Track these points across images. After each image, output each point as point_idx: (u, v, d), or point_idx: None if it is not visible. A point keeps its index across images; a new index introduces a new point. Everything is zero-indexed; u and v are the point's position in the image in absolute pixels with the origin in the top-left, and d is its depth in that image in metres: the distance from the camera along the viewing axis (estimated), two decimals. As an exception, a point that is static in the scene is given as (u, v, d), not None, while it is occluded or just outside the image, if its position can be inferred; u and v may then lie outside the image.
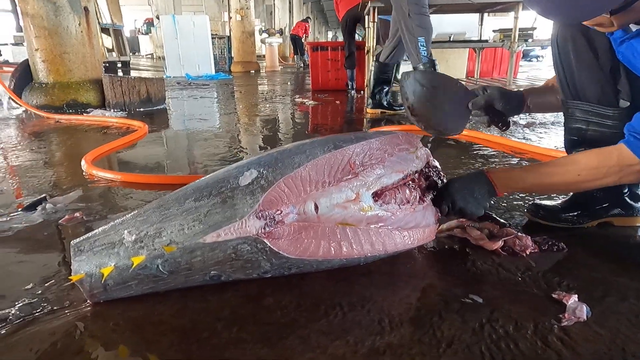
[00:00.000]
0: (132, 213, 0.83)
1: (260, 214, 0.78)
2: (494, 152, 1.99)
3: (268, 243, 0.77)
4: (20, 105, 3.39)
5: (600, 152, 0.91)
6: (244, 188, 0.80)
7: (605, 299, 0.81)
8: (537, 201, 1.20)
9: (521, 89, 1.21)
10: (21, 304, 0.81)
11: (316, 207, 0.82)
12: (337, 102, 3.94)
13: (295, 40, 11.38)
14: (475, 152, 2.00)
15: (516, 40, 3.41)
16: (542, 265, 0.94)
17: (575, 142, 1.08)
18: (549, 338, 0.70)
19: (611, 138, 0.96)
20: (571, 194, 1.18)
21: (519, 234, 1.02)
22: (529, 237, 1.01)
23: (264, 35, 11.70)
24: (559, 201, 1.19)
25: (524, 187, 1.02)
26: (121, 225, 0.80)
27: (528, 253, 0.98)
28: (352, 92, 4.62)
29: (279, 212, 0.79)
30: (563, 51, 1.03)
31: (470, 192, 0.98)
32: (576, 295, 0.79)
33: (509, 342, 0.69)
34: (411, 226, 0.91)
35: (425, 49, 2.58)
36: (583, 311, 0.75)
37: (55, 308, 0.80)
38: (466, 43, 3.96)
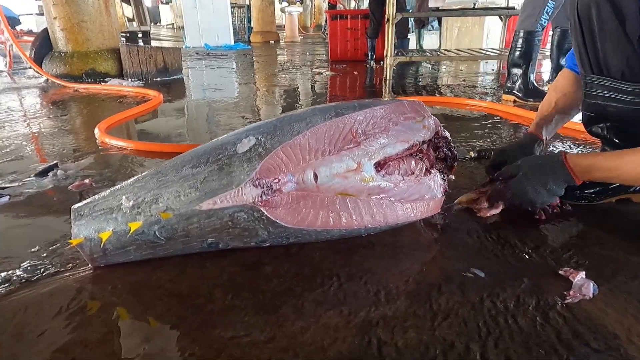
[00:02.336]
0: (131, 179, 0.83)
1: (257, 182, 0.76)
2: (513, 125, 1.91)
3: (265, 212, 0.76)
4: (41, 74, 3.43)
5: None
6: (242, 155, 0.78)
7: (615, 278, 0.77)
8: None
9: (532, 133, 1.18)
10: (26, 265, 0.83)
11: (315, 177, 0.80)
12: (355, 72, 3.85)
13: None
14: (491, 124, 1.93)
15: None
16: (551, 241, 0.90)
17: (594, 118, 1.01)
18: (550, 315, 0.67)
19: (630, 114, 0.90)
20: None
21: None
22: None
23: (284, 4, 11.45)
24: None
25: (609, 175, 0.88)
26: (119, 191, 0.80)
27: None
28: (372, 62, 4.51)
29: (276, 180, 0.78)
30: (584, 19, 0.93)
31: (543, 182, 0.89)
32: (584, 272, 0.76)
33: (508, 318, 0.67)
34: (415, 198, 0.89)
35: (548, 18, 2.15)
36: (589, 289, 0.72)
37: (57, 270, 0.81)
38: (491, 10, 3.75)
